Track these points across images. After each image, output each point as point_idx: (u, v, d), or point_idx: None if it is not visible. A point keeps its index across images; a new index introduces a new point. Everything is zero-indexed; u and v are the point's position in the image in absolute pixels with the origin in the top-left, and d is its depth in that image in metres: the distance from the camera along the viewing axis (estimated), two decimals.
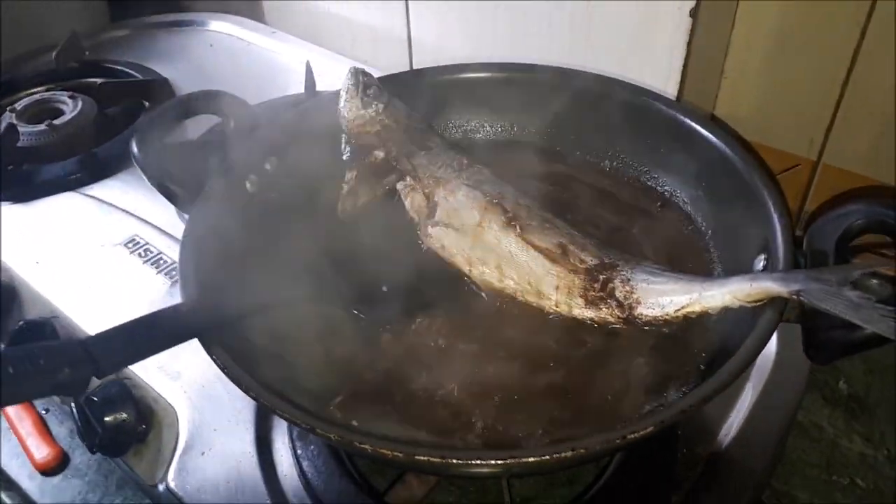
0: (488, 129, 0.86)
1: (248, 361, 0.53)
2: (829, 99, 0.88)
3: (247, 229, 0.67)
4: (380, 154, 0.74)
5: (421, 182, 0.71)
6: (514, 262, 0.64)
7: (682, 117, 0.72)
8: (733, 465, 0.66)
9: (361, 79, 0.77)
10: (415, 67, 1.15)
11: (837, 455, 0.80)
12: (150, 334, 0.52)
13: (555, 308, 0.63)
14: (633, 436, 0.46)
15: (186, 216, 0.67)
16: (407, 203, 0.72)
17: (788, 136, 0.94)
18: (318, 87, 1.08)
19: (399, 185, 0.73)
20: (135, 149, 0.69)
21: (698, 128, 0.70)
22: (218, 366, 0.51)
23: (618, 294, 0.60)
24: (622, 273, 0.61)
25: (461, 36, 1.05)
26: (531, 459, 0.46)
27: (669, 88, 0.88)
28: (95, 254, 0.86)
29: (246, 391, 0.50)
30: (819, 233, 0.58)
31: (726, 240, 0.67)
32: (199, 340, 0.53)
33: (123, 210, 0.92)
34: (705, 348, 0.60)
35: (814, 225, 0.59)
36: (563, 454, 0.45)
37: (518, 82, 0.81)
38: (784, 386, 0.70)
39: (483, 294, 0.66)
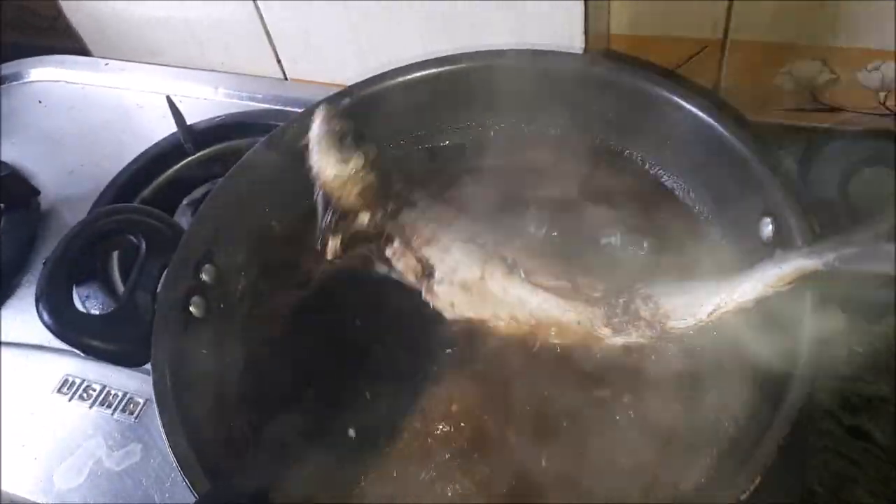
0: (460, 129, 0.78)
1: None
2: None
3: (219, 368, 0.59)
4: (365, 218, 0.67)
5: (411, 246, 0.65)
6: (528, 308, 0.60)
7: (651, 87, 0.68)
8: None
9: (336, 127, 0.66)
10: (283, 64, 1.02)
11: None
12: None
13: (583, 343, 0.59)
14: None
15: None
16: (400, 266, 0.66)
17: (691, 23, 0.91)
18: (189, 120, 0.95)
19: (388, 252, 0.66)
20: (46, 318, 0.58)
21: (672, 96, 0.66)
22: None
23: (643, 314, 0.57)
24: (640, 290, 0.58)
25: (330, 21, 0.93)
26: None
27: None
28: (30, 417, 0.74)
29: None
30: (816, 179, 0.56)
31: (723, 208, 0.64)
32: None
33: (34, 346, 0.80)
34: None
35: (807, 172, 0.56)
36: None
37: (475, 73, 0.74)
38: None
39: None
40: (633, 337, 0.58)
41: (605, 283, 0.60)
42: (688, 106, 0.64)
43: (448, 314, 0.63)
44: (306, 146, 0.67)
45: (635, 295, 0.58)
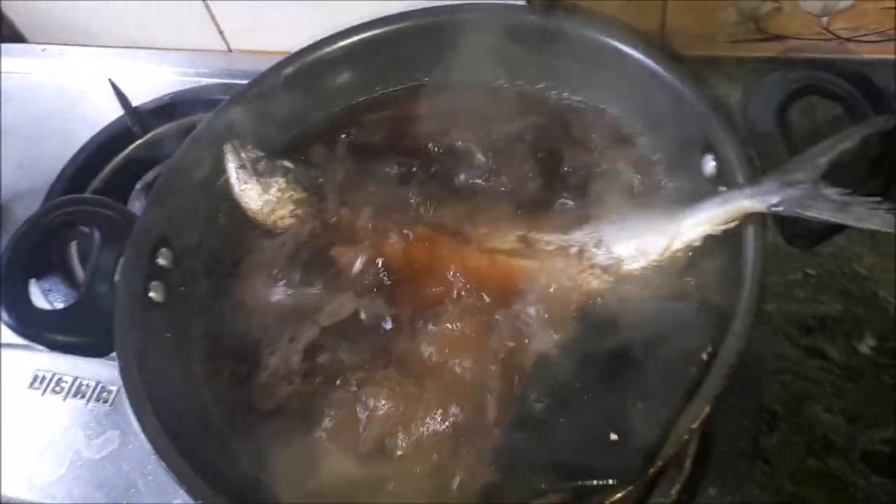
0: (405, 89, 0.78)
1: None
2: None
3: (185, 350, 0.59)
4: (303, 232, 0.67)
5: (356, 245, 0.65)
6: (492, 276, 0.61)
7: (590, 34, 0.68)
8: None
9: (245, 156, 0.67)
10: (226, 36, 1.00)
11: (781, 253, 0.84)
12: None
13: (552, 300, 0.59)
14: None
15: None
16: (359, 264, 0.65)
17: None
18: (135, 101, 0.93)
19: (337, 251, 0.66)
20: (6, 317, 0.58)
21: (611, 41, 0.66)
22: None
23: (598, 260, 0.59)
24: (591, 235, 0.59)
25: None
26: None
27: None
28: (5, 415, 0.74)
29: None
30: (755, 112, 0.57)
31: (667, 147, 0.65)
32: None
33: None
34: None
35: (747, 105, 0.57)
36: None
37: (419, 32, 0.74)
38: None
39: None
40: (594, 284, 0.59)
41: (556, 233, 0.60)
42: (626, 49, 0.65)
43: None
44: (226, 185, 0.68)
45: (588, 241, 0.59)
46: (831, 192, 0.50)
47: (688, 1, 0.91)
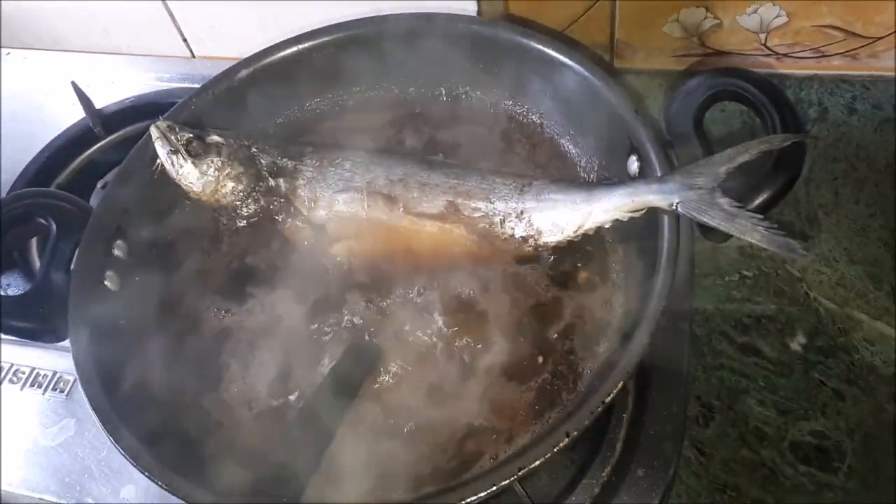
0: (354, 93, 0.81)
1: None
2: None
3: (139, 337, 0.61)
4: (251, 207, 0.69)
5: (297, 214, 0.68)
6: (420, 238, 0.64)
7: (529, 44, 0.71)
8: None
9: (176, 138, 0.67)
10: (190, 43, 1.03)
11: (720, 256, 0.88)
12: None
13: (476, 261, 0.63)
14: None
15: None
16: (294, 238, 0.68)
17: None
18: (99, 104, 0.96)
19: (281, 227, 0.68)
20: None
21: (548, 50, 0.70)
22: None
23: (518, 232, 0.63)
24: (513, 205, 0.63)
25: None
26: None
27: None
28: None
29: None
30: (675, 114, 0.61)
31: (597, 148, 0.68)
32: None
33: None
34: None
35: (669, 109, 0.61)
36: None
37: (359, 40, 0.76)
38: None
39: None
40: (516, 252, 0.63)
41: (481, 201, 0.64)
42: (562, 58, 0.68)
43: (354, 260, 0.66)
44: (162, 171, 0.68)
45: (510, 212, 0.63)
46: (724, 201, 0.55)
47: (635, 16, 0.95)
